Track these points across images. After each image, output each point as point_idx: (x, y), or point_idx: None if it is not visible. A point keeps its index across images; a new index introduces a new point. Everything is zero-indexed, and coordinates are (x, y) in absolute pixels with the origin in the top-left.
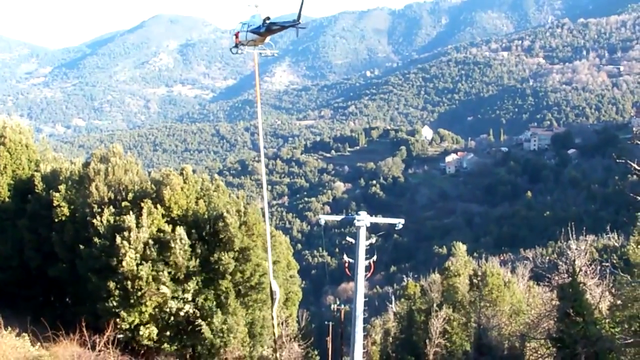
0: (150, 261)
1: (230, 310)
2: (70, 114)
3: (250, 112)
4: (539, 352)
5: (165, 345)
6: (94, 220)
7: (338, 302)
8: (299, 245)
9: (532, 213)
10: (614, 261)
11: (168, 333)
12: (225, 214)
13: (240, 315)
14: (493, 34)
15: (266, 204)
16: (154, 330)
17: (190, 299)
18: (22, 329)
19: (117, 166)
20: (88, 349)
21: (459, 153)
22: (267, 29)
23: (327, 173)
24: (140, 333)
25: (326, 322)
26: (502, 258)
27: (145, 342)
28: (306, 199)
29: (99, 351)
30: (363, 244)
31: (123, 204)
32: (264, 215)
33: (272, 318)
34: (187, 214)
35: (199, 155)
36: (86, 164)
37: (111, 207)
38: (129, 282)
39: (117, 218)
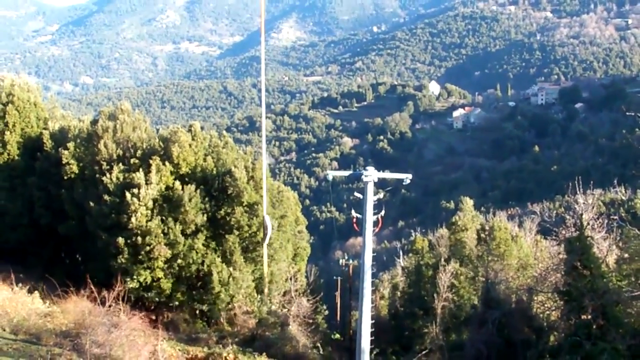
0: (159, 217)
1: (236, 265)
2: (78, 72)
3: (257, 68)
4: (546, 305)
5: (175, 299)
6: (103, 178)
7: (346, 257)
8: (307, 201)
9: (539, 167)
10: (622, 214)
11: (177, 288)
12: (233, 169)
13: (245, 271)
14: None
15: (264, 140)
16: (167, 285)
17: (198, 254)
18: (34, 285)
19: (125, 123)
20: (98, 304)
21: (466, 108)
22: None
23: (334, 129)
24: (152, 283)
25: (335, 277)
26: (509, 212)
27: (156, 297)
28: (314, 154)
29: (109, 307)
30: (371, 199)
31: (132, 161)
32: (270, 169)
33: (263, 252)
34: (195, 170)
35: (206, 112)
36: (94, 122)
37: (120, 164)
38: (138, 239)
39: (126, 175)
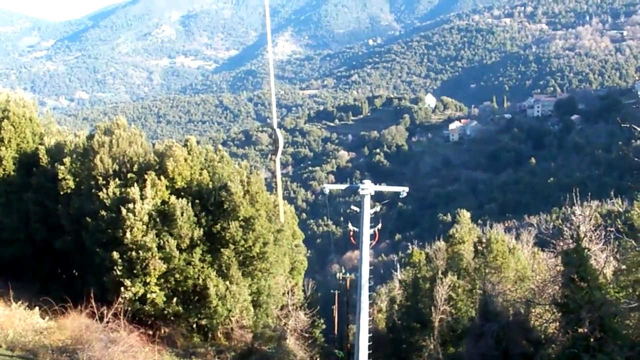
0: (154, 231)
1: (232, 280)
2: (74, 87)
3: (253, 82)
4: (543, 318)
5: (171, 314)
6: (100, 193)
7: (343, 271)
8: (304, 215)
9: (536, 179)
10: (619, 226)
11: (173, 302)
12: (229, 183)
13: (242, 285)
14: (495, 0)
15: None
16: (160, 297)
17: (195, 268)
18: (31, 301)
19: (121, 138)
20: (96, 320)
21: (462, 120)
22: None
23: (330, 142)
24: (147, 297)
25: (332, 291)
26: (506, 225)
27: (152, 312)
28: (310, 168)
29: (107, 322)
30: (368, 212)
31: (128, 175)
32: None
33: (276, 167)
34: (191, 185)
35: (202, 126)
36: (90, 137)
37: (116, 179)
38: (133, 253)
39: (123, 190)
